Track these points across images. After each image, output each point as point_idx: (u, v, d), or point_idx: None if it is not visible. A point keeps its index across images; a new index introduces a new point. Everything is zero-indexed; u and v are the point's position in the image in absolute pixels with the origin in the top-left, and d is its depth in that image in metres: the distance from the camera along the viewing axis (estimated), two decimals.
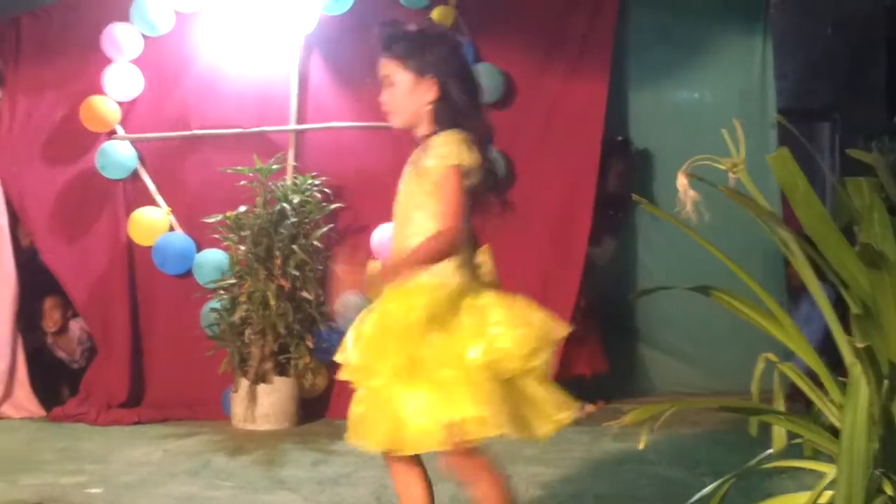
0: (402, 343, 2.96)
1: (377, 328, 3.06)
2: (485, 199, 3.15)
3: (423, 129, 3.14)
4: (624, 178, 6.62)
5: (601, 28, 6.34)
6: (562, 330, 3.06)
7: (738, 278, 2.62)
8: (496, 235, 3.29)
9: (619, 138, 6.62)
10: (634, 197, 2.89)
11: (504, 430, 2.86)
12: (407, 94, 3.10)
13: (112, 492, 4.54)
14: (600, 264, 6.54)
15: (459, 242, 3.01)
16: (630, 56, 6.71)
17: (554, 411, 2.99)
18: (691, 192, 2.56)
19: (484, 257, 3.15)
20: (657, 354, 6.87)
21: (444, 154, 3.00)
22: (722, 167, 2.56)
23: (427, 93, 3.09)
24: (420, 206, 3.06)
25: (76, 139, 6.43)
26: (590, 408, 6.14)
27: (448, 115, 3.08)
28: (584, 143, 6.27)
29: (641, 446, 2.42)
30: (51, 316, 6.55)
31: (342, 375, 3.20)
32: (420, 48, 3.09)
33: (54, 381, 6.53)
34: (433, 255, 2.98)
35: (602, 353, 6.45)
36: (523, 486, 4.51)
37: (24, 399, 6.33)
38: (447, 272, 3.01)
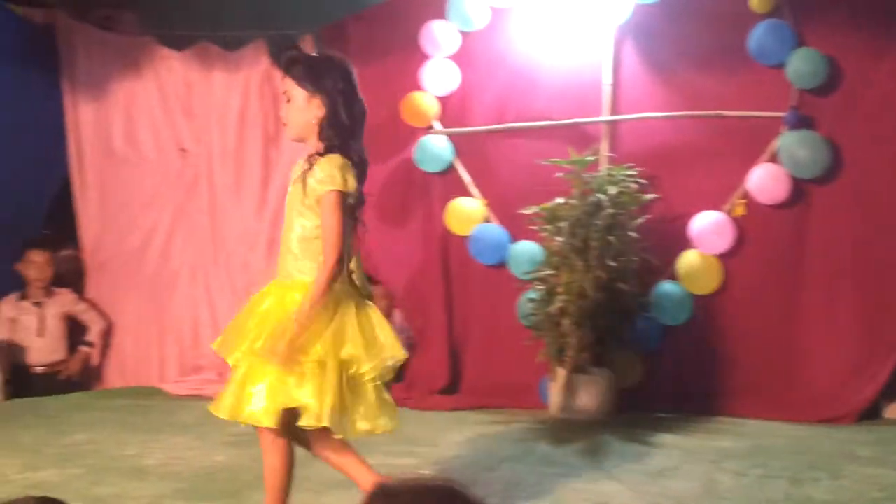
0: (264, 327, 3.48)
1: (247, 312, 3.60)
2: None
3: (311, 144, 3.57)
4: None
5: None
6: (400, 353, 3.60)
7: None
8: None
9: None
10: None
11: (326, 423, 3.40)
12: (299, 109, 3.55)
13: (443, 474, 4.62)
14: None
15: (342, 266, 3.48)
16: None
17: (377, 416, 3.59)
18: None
19: (354, 265, 3.60)
20: None
21: (327, 179, 3.44)
22: None
23: (317, 110, 3.52)
24: (301, 215, 3.53)
25: (395, 134, 6.68)
26: None
27: (332, 132, 3.51)
28: None
29: None
30: (378, 304, 6.83)
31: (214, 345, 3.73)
32: (314, 71, 3.55)
33: None
34: (325, 286, 3.44)
35: None
36: (863, 488, 4.30)
37: None
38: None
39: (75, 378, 7.12)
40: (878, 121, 5.97)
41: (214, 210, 7.20)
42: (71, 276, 7.35)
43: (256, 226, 7.08)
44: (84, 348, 7.17)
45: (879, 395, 5.88)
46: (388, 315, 6.89)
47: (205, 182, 7.22)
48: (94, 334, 7.21)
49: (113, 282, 7.38)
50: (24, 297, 7.08)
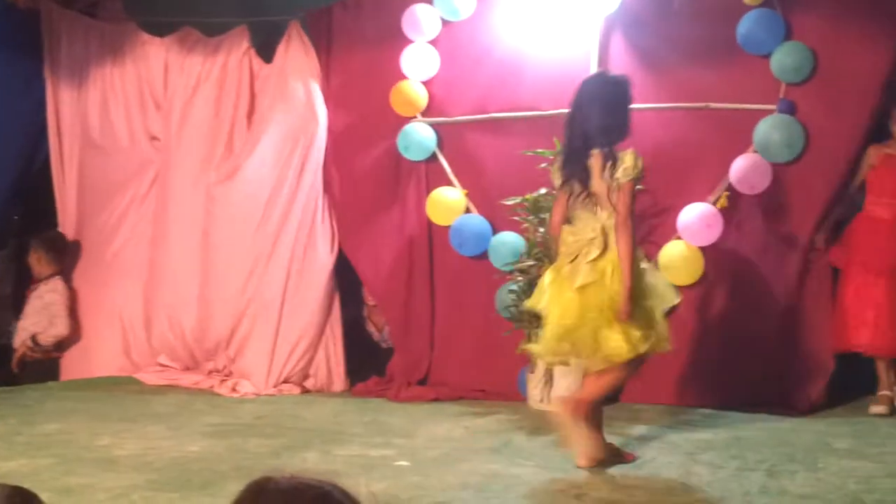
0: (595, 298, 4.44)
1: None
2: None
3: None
4: None
5: None
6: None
7: None
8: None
9: None
10: None
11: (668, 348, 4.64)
12: None
13: (419, 466, 4.63)
14: None
15: None
16: None
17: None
18: None
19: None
20: None
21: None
22: None
23: None
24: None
25: (383, 122, 6.66)
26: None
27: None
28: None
29: None
30: (377, 319, 6.91)
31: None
32: None
33: (361, 359, 6.81)
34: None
35: None
36: (840, 480, 4.27)
37: (336, 375, 6.65)
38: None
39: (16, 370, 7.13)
40: (851, 108, 5.93)
41: (181, 198, 7.09)
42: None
43: (223, 214, 6.94)
44: (29, 343, 7.13)
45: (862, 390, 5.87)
46: (381, 329, 6.97)
47: (175, 170, 7.11)
48: (47, 336, 7.15)
49: (85, 268, 7.32)
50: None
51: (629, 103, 4.69)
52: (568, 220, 4.61)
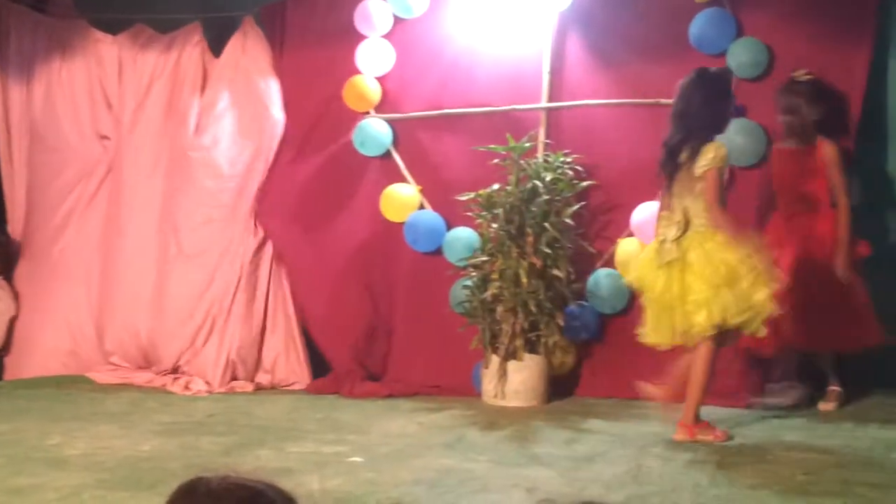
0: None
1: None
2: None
3: None
4: None
5: None
6: None
7: None
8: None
9: None
10: None
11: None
12: None
13: (373, 462, 4.63)
14: None
15: None
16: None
17: None
18: None
19: None
20: None
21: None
22: None
23: None
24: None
25: (338, 118, 6.64)
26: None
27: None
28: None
29: None
30: None
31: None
32: None
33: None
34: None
35: None
36: (789, 472, 4.32)
37: (296, 371, 6.66)
38: None
39: None
40: None
41: (131, 196, 7.02)
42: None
43: (174, 210, 6.88)
44: None
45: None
46: None
47: (126, 169, 7.03)
48: None
49: (32, 268, 7.21)
50: None
51: (727, 98, 5.14)
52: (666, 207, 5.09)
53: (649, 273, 5.04)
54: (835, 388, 5.70)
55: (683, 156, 4.94)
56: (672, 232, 4.94)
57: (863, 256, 5.60)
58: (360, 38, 6.58)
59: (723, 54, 6.03)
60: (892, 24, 6.18)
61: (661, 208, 5.15)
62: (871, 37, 5.92)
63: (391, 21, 6.54)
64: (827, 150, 5.61)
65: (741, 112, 5.98)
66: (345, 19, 6.61)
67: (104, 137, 7.17)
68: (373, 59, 6.56)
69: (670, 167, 5.01)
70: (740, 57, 5.99)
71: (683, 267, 4.88)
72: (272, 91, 6.77)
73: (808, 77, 5.72)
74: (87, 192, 7.16)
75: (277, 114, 6.75)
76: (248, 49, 6.83)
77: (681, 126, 4.99)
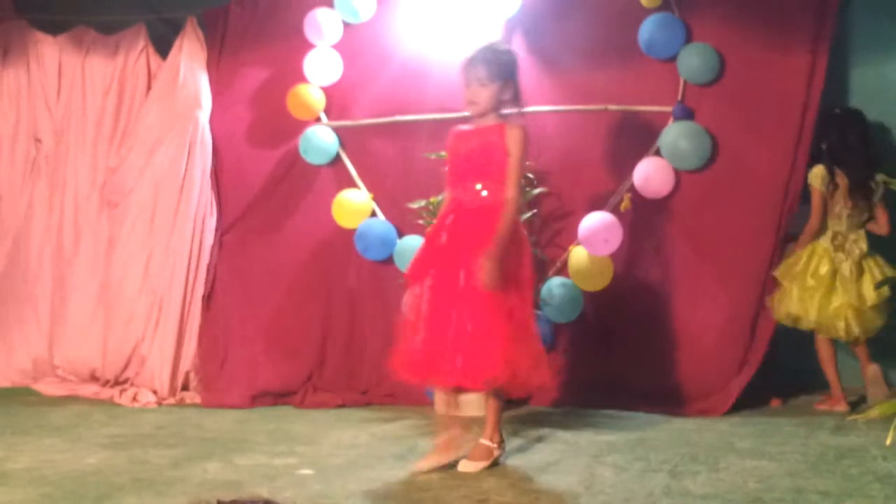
0: None
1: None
2: None
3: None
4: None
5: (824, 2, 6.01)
6: None
7: None
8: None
9: (836, 111, 6.17)
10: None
11: None
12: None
13: (323, 474, 4.57)
14: None
15: None
16: (854, 30, 6.37)
17: None
18: None
19: None
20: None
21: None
22: None
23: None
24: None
25: (284, 124, 6.56)
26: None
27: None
28: (795, 119, 5.99)
29: (888, 442, 2.27)
30: None
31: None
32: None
33: None
34: None
35: None
36: (741, 480, 4.32)
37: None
38: None
39: None
40: (754, 112, 6.02)
41: (72, 203, 6.94)
42: None
43: (115, 217, 6.80)
44: None
45: (760, 388, 5.97)
46: None
47: (64, 173, 6.95)
48: None
49: None
50: None
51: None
52: None
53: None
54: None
55: None
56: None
57: None
58: (309, 45, 6.50)
59: (673, 59, 6.05)
60: (854, 31, 6.27)
61: None
62: (827, 42, 5.96)
63: (341, 29, 6.48)
64: None
65: (688, 114, 6.01)
66: (291, 23, 6.54)
67: (38, 140, 7.05)
68: (322, 68, 6.48)
69: None
70: (690, 61, 6.00)
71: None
72: (205, 93, 6.69)
73: None
74: (20, 200, 7.07)
75: (204, 118, 6.67)
76: (187, 51, 6.74)
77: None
